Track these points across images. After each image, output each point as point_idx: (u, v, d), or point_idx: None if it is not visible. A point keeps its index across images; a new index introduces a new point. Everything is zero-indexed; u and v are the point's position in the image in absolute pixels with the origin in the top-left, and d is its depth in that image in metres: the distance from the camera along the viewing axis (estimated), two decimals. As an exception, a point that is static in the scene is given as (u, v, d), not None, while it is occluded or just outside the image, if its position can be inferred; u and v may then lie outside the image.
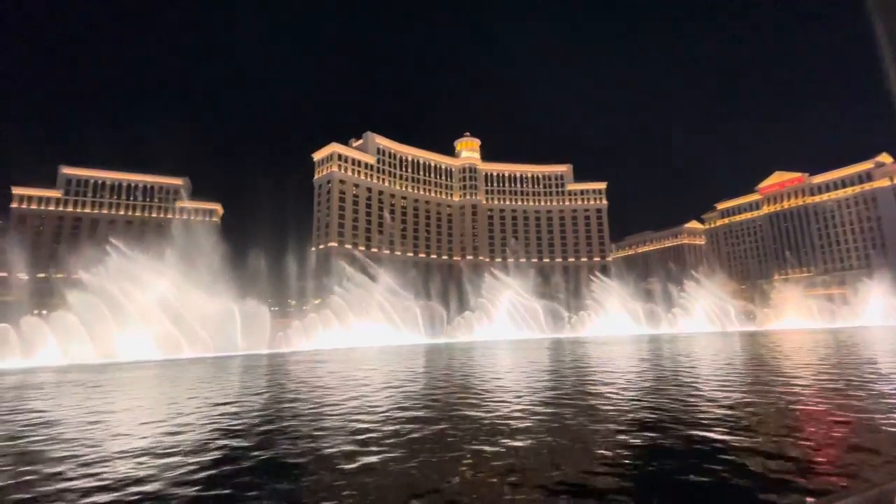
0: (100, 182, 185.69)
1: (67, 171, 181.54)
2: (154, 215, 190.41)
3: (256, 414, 14.84)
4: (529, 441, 10.22)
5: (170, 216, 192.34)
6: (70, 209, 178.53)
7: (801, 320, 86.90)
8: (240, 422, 13.55)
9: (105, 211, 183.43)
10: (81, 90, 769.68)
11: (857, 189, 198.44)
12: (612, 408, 14.08)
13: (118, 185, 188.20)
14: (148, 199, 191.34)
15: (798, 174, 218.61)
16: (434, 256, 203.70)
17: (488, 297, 64.38)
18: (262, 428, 12.54)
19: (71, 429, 13.33)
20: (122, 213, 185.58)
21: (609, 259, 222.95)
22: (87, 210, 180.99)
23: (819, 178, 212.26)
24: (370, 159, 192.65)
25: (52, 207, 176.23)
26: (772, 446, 9.38)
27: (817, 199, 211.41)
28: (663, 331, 72.23)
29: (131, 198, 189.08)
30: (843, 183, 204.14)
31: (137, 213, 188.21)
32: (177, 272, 60.25)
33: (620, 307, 76.80)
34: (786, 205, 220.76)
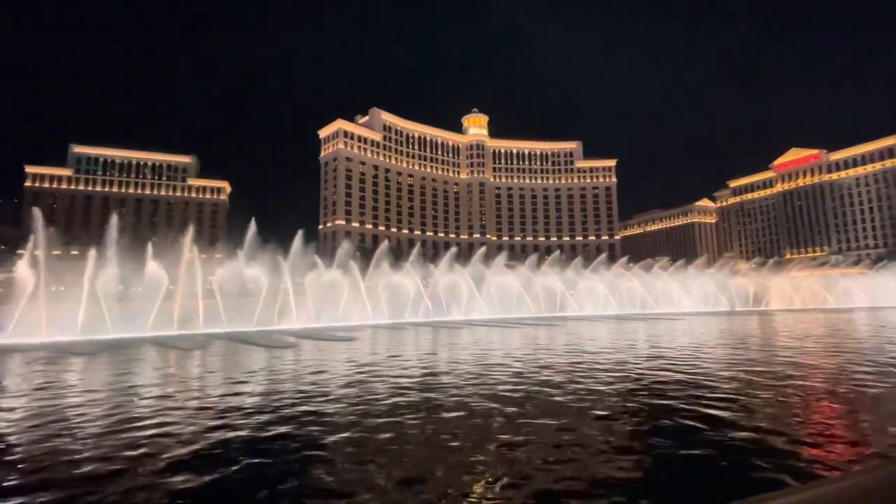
0: (109, 160, 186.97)
1: (78, 149, 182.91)
2: (163, 193, 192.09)
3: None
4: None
5: (178, 194, 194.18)
6: (81, 187, 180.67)
7: (811, 301, 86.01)
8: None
9: (115, 189, 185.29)
10: (92, 69, 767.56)
11: (878, 166, 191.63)
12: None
13: (127, 163, 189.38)
14: (157, 178, 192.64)
15: (815, 151, 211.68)
16: (441, 235, 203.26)
17: (477, 277, 64.13)
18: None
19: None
20: (131, 191, 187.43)
21: (617, 237, 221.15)
22: (98, 188, 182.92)
23: (837, 155, 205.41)
24: (376, 136, 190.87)
25: (63, 186, 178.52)
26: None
27: (834, 176, 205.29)
28: (667, 310, 72.05)
29: (140, 176, 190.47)
30: (863, 160, 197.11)
31: (147, 192, 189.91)
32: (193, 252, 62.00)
33: (622, 287, 76.69)
34: (801, 182, 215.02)
